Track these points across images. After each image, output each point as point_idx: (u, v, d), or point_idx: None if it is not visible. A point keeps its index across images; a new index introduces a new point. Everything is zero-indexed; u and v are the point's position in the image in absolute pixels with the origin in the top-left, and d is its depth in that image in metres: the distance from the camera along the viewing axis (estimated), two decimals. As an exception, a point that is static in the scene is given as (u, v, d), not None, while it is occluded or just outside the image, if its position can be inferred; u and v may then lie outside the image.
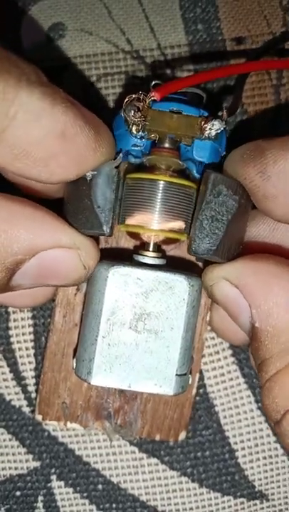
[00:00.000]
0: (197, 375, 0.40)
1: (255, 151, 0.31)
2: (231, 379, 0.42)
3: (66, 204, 0.34)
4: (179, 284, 0.34)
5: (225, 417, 0.43)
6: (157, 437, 0.40)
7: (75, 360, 0.37)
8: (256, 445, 0.43)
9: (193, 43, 0.42)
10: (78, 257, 0.32)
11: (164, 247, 0.39)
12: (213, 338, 0.42)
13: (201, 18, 0.42)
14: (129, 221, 0.35)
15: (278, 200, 0.31)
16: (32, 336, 0.42)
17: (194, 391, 0.40)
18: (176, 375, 0.35)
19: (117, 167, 0.32)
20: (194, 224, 0.32)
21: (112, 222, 0.32)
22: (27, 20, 0.42)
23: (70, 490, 0.42)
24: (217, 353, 0.42)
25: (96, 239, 0.34)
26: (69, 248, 0.31)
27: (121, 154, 0.33)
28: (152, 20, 0.42)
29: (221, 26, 0.42)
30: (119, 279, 0.34)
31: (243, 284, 0.31)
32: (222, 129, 0.32)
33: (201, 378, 0.42)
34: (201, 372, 0.42)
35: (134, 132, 0.33)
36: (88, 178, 0.31)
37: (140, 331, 0.34)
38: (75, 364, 0.36)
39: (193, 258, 0.39)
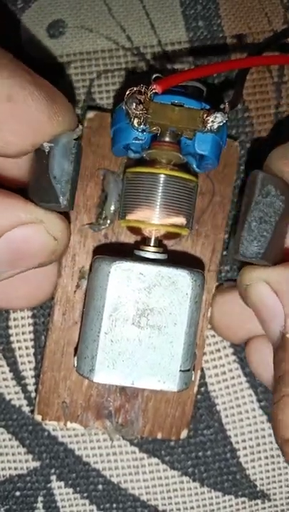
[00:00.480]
0: (199, 372, 0.40)
1: None
2: (233, 378, 0.42)
3: (29, 181, 0.33)
4: (182, 279, 0.34)
5: (226, 416, 0.42)
6: (159, 436, 0.39)
7: (76, 358, 0.36)
8: (258, 444, 0.42)
9: (194, 40, 0.42)
10: (44, 230, 0.31)
11: (164, 242, 0.39)
12: (214, 336, 0.42)
13: (201, 15, 0.42)
14: (130, 216, 0.35)
15: None
16: (32, 335, 0.42)
17: (196, 388, 0.40)
18: (180, 370, 0.34)
19: (76, 139, 0.31)
20: (241, 226, 0.32)
21: (69, 195, 0.31)
22: (27, 17, 0.42)
23: (70, 490, 0.42)
24: (218, 351, 0.42)
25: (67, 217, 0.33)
26: (32, 223, 0.30)
27: (80, 126, 0.32)
28: (153, 17, 0.42)
29: (222, 23, 0.42)
30: (121, 275, 0.34)
31: (283, 290, 0.31)
32: (224, 121, 0.32)
33: (203, 377, 0.42)
34: (202, 370, 0.42)
35: (136, 125, 0.32)
36: (46, 150, 0.31)
37: (143, 326, 0.34)
38: (76, 362, 0.36)
39: (194, 253, 0.39)
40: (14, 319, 0.42)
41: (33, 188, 0.32)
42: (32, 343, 0.42)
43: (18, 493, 0.42)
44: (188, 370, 0.35)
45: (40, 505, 0.42)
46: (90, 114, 0.39)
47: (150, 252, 0.35)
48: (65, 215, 0.33)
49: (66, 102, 0.31)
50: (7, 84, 0.28)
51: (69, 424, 0.39)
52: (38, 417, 0.39)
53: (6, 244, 0.30)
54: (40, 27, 0.42)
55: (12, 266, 0.31)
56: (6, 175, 0.34)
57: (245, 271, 0.33)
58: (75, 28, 0.42)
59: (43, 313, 0.42)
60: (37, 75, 0.30)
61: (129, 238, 0.39)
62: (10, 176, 0.34)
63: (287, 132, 0.42)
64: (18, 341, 0.42)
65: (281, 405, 0.30)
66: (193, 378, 0.37)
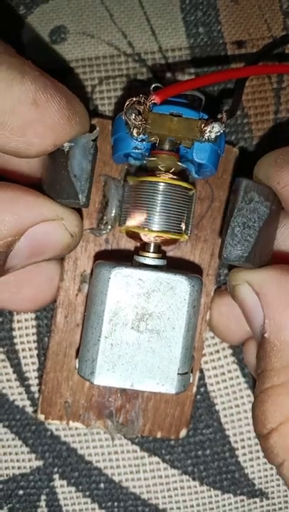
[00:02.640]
0: (197, 374, 0.40)
1: None
2: (231, 378, 0.43)
3: (44, 178, 0.34)
4: (180, 285, 0.34)
5: (225, 416, 0.43)
6: (159, 435, 0.40)
7: (77, 360, 0.37)
8: (256, 444, 0.43)
9: (194, 46, 0.43)
10: (63, 226, 0.32)
11: (163, 248, 0.39)
12: (213, 338, 0.42)
13: (202, 22, 0.43)
14: (130, 223, 0.35)
15: None
16: (35, 337, 0.42)
17: (195, 389, 0.40)
18: (178, 373, 0.35)
19: (94, 140, 0.32)
20: (225, 231, 0.32)
21: (88, 192, 0.33)
22: (29, 23, 0.42)
23: (73, 489, 0.42)
24: (217, 352, 0.43)
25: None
26: (53, 220, 0.32)
27: (98, 128, 0.33)
28: (154, 23, 0.43)
29: (222, 30, 0.43)
30: (121, 280, 0.34)
31: (263, 292, 0.32)
32: (222, 131, 0.33)
33: (202, 377, 0.43)
34: (201, 371, 0.42)
35: (135, 135, 0.33)
36: (66, 150, 0.32)
37: (142, 331, 0.35)
38: (77, 364, 0.37)
39: (193, 257, 0.40)
40: (18, 321, 0.42)
41: (49, 184, 0.33)
42: (35, 344, 0.42)
43: (21, 492, 0.42)
44: (186, 373, 0.36)
45: (43, 503, 0.42)
46: (92, 121, 0.39)
47: (149, 258, 0.36)
48: (79, 213, 0.34)
49: (81, 104, 0.32)
50: (32, 88, 0.29)
51: (71, 424, 0.40)
52: (41, 417, 0.40)
53: (27, 238, 0.31)
54: (42, 33, 0.42)
55: (28, 258, 0.32)
56: (16, 172, 0.35)
57: (233, 271, 0.34)
58: (76, 34, 0.42)
59: (46, 315, 0.42)
60: (54, 79, 0.31)
61: (130, 243, 0.40)
62: (20, 172, 0.35)
63: (286, 138, 0.42)
64: (21, 343, 0.42)
65: (258, 402, 0.31)
66: (191, 380, 0.37)
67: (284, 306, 0.31)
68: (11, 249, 0.31)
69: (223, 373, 0.43)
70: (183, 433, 0.40)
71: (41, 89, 0.29)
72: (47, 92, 0.29)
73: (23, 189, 0.31)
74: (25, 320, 0.42)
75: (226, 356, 0.43)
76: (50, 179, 0.33)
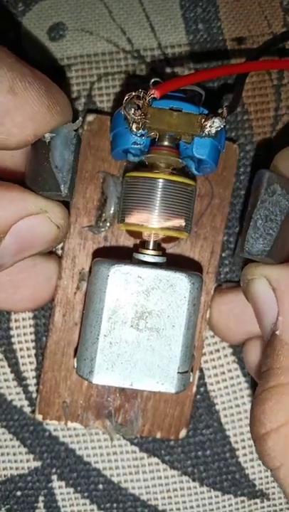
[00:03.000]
0: (197, 373, 0.40)
1: None
2: (232, 378, 0.42)
3: (27, 171, 0.33)
4: (180, 282, 0.34)
5: (225, 416, 0.43)
6: (158, 435, 0.40)
7: (76, 359, 0.37)
8: (257, 444, 0.43)
9: (194, 43, 0.42)
10: (48, 219, 0.32)
11: (163, 245, 0.39)
12: (213, 337, 0.42)
13: (201, 18, 0.42)
14: (129, 220, 0.35)
15: None
16: (33, 336, 0.42)
17: (194, 388, 0.40)
18: (178, 372, 0.35)
19: (76, 130, 0.32)
20: (247, 224, 0.32)
21: (70, 184, 0.32)
22: (27, 20, 0.42)
23: (71, 490, 0.42)
24: (217, 351, 0.42)
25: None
26: (37, 214, 0.31)
27: (80, 118, 0.32)
28: (153, 19, 0.42)
29: (222, 26, 0.42)
30: (120, 278, 0.34)
31: (280, 289, 0.31)
32: (222, 126, 0.32)
33: (202, 377, 0.42)
34: (201, 370, 0.42)
35: (135, 130, 0.33)
36: (47, 140, 0.31)
37: (142, 329, 0.34)
38: (76, 363, 0.36)
39: (192, 255, 0.39)
40: (15, 320, 0.42)
41: (31, 177, 0.33)
42: (33, 343, 0.42)
43: (19, 493, 0.42)
44: (186, 372, 0.36)
45: (41, 504, 0.42)
46: (90, 117, 0.39)
47: (149, 255, 0.36)
48: (66, 205, 0.34)
49: (62, 93, 0.31)
50: (9, 76, 0.28)
51: (69, 424, 0.40)
52: (39, 417, 0.40)
53: (13, 235, 0.31)
54: (40, 30, 0.42)
55: (16, 255, 0.32)
56: (0, 166, 0.35)
57: (250, 266, 0.34)
58: (75, 30, 0.42)
59: (43, 314, 0.42)
60: (33, 68, 0.30)
61: (129, 240, 0.39)
62: (3, 167, 0.35)
63: (286, 135, 0.42)
64: (19, 342, 0.42)
65: (259, 400, 0.31)
66: (191, 379, 0.37)
67: None
68: None
69: (223, 373, 0.42)
70: (183, 433, 0.40)
71: (18, 76, 0.29)
72: (25, 79, 0.29)
73: (4, 185, 0.30)
74: (23, 319, 0.42)
75: (226, 355, 0.42)
76: (32, 172, 0.33)
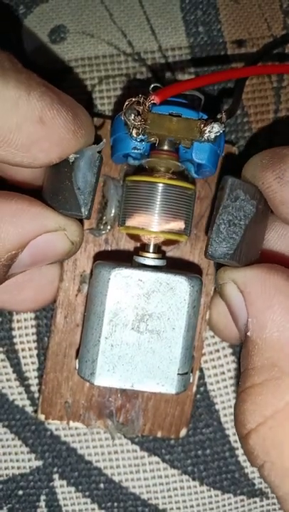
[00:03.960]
0: (197, 373, 0.40)
1: (275, 156, 0.31)
2: (231, 377, 0.43)
3: (46, 185, 0.34)
4: (180, 285, 0.34)
5: (225, 415, 0.43)
6: (159, 434, 0.40)
7: (77, 360, 0.37)
8: (256, 444, 0.43)
9: (194, 46, 0.42)
10: (65, 236, 0.32)
11: (163, 247, 0.39)
12: (213, 337, 0.42)
13: (202, 21, 0.43)
14: (130, 223, 0.35)
15: None
16: (35, 337, 0.42)
17: (195, 388, 0.40)
18: (178, 374, 0.35)
19: (99, 152, 0.32)
20: (211, 228, 0.32)
21: (90, 206, 0.32)
22: (28, 22, 0.42)
23: (72, 489, 0.43)
24: (217, 351, 0.43)
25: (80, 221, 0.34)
26: (55, 231, 0.32)
27: (104, 140, 0.33)
28: (153, 22, 0.43)
29: (222, 29, 0.43)
30: (120, 281, 0.34)
31: (247, 291, 0.31)
32: (221, 131, 0.33)
33: (202, 377, 0.43)
34: (201, 370, 0.42)
35: (135, 135, 0.33)
36: (71, 161, 0.32)
37: (142, 331, 0.35)
38: (77, 365, 0.37)
39: (192, 257, 0.40)
40: (18, 321, 0.42)
41: (51, 194, 0.33)
42: (35, 344, 0.42)
43: (20, 492, 0.42)
44: (187, 373, 0.36)
45: (42, 503, 0.42)
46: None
47: (149, 258, 0.36)
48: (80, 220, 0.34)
49: (87, 114, 0.32)
50: (38, 106, 0.29)
51: (71, 423, 0.40)
52: (42, 417, 0.40)
53: (29, 249, 0.31)
54: (42, 32, 0.42)
55: (27, 266, 0.32)
56: (18, 178, 0.35)
57: (221, 270, 0.34)
58: (76, 33, 0.42)
59: (45, 315, 0.42)
60: (60, 91, 0.30)
61: (129, 243, 0.40)
62: (21, 179, 0.35)
63: (285, 137, 0.42)
64: (21, 343, 0.42)
65: (239, 402, 0.31)
66: (191, 380, 0.37)
67: (267, 305, 0.31)
68: (14, 261, 0.31)
69: (223, 373, 0.43)
70: (183, 432, 0.40)
71: (48, 106, 0.29)
72: (53, 108, 0.29)
73: (27, 200, 0.31)
74: (25, 320, 0.42)
75: (225, 355, 0.43)
76: (52, 188, 0.33)
